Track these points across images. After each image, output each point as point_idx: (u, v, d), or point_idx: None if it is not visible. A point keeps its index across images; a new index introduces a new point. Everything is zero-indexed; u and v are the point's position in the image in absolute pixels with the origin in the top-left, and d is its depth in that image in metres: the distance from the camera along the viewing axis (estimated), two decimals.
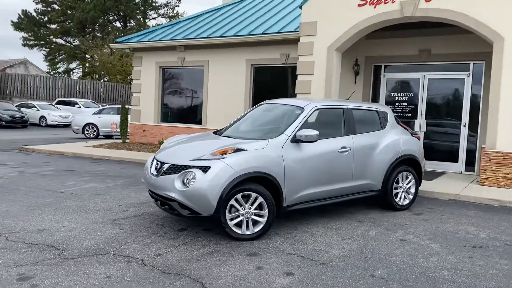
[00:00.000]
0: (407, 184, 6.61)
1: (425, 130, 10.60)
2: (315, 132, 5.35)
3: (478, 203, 7.18)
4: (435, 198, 7.50)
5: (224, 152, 5.00)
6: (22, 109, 26.70)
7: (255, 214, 5.02)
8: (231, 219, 4.94)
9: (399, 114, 10.87)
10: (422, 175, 6.90)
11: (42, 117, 26.81)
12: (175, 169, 5.01)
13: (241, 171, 4.86)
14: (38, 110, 27.21)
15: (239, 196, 4.91)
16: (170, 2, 49.98)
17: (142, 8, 49.17)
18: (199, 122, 14.05)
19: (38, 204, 6.40)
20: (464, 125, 10.14)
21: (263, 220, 5.03)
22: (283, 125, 5.65)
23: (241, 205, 4.94)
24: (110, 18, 47.66)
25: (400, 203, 6.52)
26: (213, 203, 4.75)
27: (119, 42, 15.43)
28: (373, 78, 11.23)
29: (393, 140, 6.40)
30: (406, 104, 10.82)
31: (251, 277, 3.96)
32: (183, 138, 6.05)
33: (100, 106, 26.89)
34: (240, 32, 12.82)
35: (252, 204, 4.98)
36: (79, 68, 51.33)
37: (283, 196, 5.24)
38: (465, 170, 10.17)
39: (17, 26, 46.56)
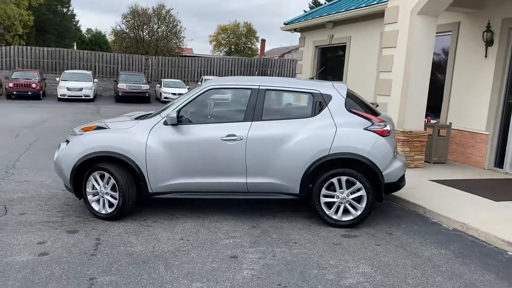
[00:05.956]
0: (350, 193, 4.78)
1: None
2: (173, 114, 4.72)
3: (485, 244, 4.43)
4: (438, 224, 5.04)
5: (88, 129, 5.10)
6: None
7: (111, 196, 4.94)
8: (94, 195, 5.03)
9: None
10: (383, 184, 4.76)
11: None
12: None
13: (90, 149, 4.88)
14: None
15: (95, 174, 4.95)
16: None
17: None
18: None
19: None
20: None
21: (115, 202, 4.90)
22: None
23: (99, 184, 4.96)
24: None
25: (334, 217, 4.82)
26: (66, 175, 4.99)
27: (286, 24, 15.79)
28: None
29: (319, 132, 4.73)
30: None
31: (14, 249, 4.11)
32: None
33: None
34: (373, 2, 11.16)
35: (108, 184, 4.92)
36: None
37: (147, 182, 4.91)
38: None
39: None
